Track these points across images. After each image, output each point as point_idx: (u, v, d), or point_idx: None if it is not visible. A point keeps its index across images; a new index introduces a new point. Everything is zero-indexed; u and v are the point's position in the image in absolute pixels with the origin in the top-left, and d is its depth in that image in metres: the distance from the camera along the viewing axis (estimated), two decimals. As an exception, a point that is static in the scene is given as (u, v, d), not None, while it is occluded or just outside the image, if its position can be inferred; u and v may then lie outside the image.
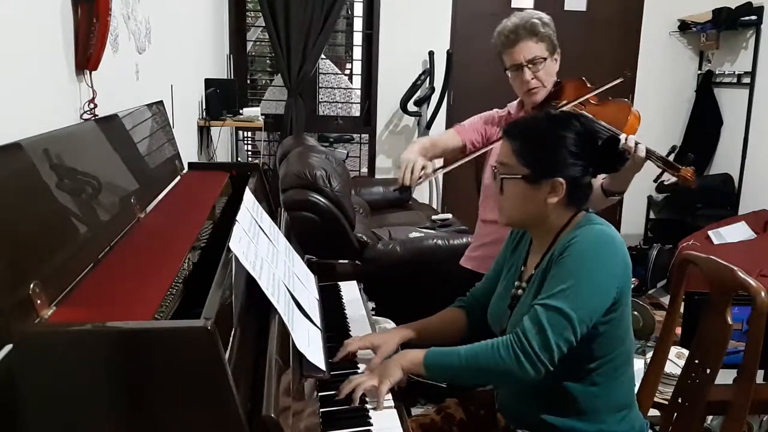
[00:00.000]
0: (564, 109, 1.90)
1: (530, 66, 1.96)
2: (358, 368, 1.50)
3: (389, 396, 1.38)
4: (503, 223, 1.52)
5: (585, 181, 1.43)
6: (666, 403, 1.80)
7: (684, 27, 5.07)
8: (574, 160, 1.39)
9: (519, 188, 1.43)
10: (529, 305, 1.40)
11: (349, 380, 1.38)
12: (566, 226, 1.45)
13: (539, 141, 1.43)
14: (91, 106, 1.63)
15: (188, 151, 3.13)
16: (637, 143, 1.72)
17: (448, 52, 4.86)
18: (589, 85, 1.99)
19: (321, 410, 1.31)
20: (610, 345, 1.40)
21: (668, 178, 1.84)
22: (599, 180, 1.81)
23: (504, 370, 1.31)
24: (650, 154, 1.74)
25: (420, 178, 1.86)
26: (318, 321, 1.49)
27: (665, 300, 3.93)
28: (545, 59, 1.96)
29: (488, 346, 1.34)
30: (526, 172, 1.41)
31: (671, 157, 1.77)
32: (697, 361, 1.60)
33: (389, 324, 2.19)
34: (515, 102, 2.15)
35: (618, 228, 5.50)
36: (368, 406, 1.35)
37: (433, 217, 4.06)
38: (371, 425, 1.29)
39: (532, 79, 1.97)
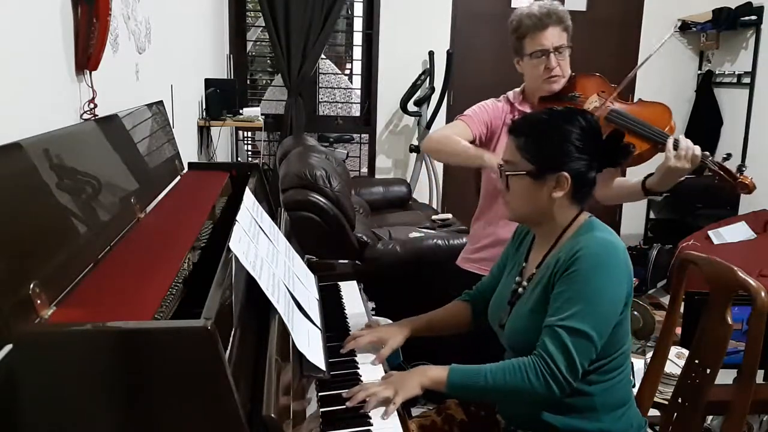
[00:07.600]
0: (598, 104, 1.94)
1: (557, 53, 1.96)
2: (359, 368, 1.50)
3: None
4: (510, 218, 1.55)
5: (590, 176, 1.44)
6: (666, 403, 1.80)
7: (684, 27, 5.06)
8: (579, 154, 1.41)
9: (524, 184, 1.44)
10: (529, 311, 1.43)
11: (363, 387, 1.36)
12: (569, 227, 1.46)
13: (543, 136, 1.44)
14: (91, 106, 1.63)
15: (188, 151, 3.13)
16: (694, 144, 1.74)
17: (448, 52, 4.86)
18: (611, 85, 2.00)
19: (321, 410, 1.31)
20: (612, 347, 1.41)
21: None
22: (640, 177, 1.86)
23: (531, 391, 1.34)
24: (704, 158, 1.75)
25: None
26: (318, 321, 1.49)
27: (665, 300, 3.93)
28: (569, 48, 1.98)
29: (516, 368, 1.35)
30: (530, 168, 1.43)
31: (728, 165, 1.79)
32: (697, 361, 1.60)
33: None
34: (512, 92, 2.11)
35: (618, 228, 5.53)
36: (370, 412, 1.32)
37: (433, 217, 4.06)
38: (371, 425, 1.29)
39: (557, 66, 1.97)
